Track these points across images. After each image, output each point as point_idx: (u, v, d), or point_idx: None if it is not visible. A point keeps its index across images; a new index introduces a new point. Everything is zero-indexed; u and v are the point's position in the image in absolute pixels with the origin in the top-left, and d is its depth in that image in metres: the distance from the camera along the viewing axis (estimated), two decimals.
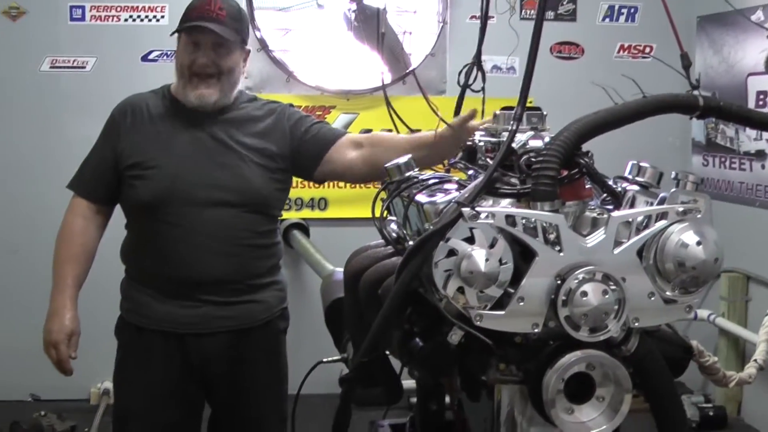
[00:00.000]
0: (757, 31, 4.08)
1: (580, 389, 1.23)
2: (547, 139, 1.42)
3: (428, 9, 4.54)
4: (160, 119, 2.39)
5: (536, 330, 1.20)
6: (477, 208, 1.18)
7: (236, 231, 2.33)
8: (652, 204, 1.28)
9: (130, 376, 2.40)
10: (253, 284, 2.39)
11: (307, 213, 4.54)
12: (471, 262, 1.15)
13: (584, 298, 1.18)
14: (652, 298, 1.23)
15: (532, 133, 1.40)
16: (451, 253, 1.17)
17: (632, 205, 1.29)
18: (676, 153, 4.67)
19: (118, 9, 4.09)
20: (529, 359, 1.26)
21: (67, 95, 4.21)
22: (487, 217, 1.18)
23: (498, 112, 1.51)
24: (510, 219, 1.19)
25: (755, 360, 1.67)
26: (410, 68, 4.48)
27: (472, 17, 4.36)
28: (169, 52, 4.17)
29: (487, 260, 1.15)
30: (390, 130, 2.29)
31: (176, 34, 2.39)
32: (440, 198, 1.33)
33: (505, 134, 1.47)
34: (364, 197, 4.24)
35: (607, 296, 1.18)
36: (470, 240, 1.17)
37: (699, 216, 1.23)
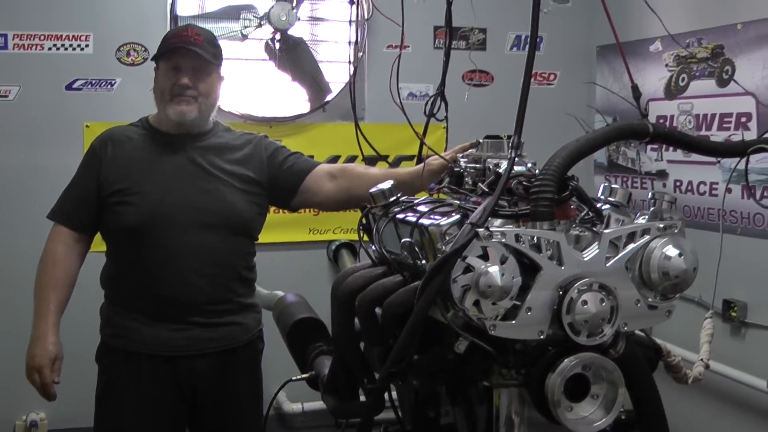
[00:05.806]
0: (656, 60, 4.38)
1: (574, 389, 1.37)
2: (529, 165, 1.57)
3: (344, 38, 4.67)
4: (141, 148, 2.44)
5: (541, 336, 1.33)
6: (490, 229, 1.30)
7: (220, 253, 2.40)
8: (623, 222, 1.45)
9: (119, 399, 2.41)
10: (236, 306, 2.45)
11: None
12: (489, 277, 1.26)
13: (585, 307, 1.31)
14: (639, 305, 1.37)
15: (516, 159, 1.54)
16: (467, 269, 1.29)
17: (607, 224, 1.45)
18: (578, 173, 4.89)
19: (42, 38, 4.04)
20: (529, 364, 1.39)
21: None
22: (498, 236, 1.30)
23: (482, 140, 1.65)
24: (517, 237, 1.32)
25: (701, 359, 1.84)
26: (329, 95, 4.60)
27: (389, 47, 4.52)
28: (93, 81, 4.16)
29: (502, 275, 1.27)
30: (355, 156, 2.40)
31: (152, 70, 2.46)
32: (443, 221, 1.44)
33: (490, 161, 1.62)
34: (281, 223, 4.31)
35: (603, 304, 1.32)
36: (484, 257, 1.29)
37: (676, 231, 1.39)
